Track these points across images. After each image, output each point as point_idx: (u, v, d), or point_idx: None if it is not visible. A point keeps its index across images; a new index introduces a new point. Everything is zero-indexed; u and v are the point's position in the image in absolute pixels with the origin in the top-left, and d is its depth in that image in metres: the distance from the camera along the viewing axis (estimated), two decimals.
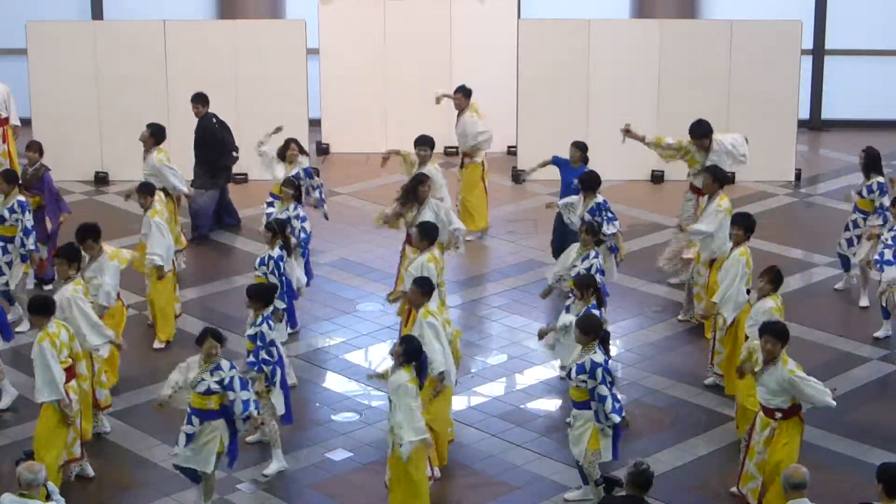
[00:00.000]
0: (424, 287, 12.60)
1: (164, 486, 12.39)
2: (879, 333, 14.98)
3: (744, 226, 13.71)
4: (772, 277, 12.63)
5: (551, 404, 13.94)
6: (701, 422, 13.45)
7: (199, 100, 17.99)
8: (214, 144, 18.03)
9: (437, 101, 18.61)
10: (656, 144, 16.40)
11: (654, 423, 13.39)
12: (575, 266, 13.95)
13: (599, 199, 15.06)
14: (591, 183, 15.16)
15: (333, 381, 14.40)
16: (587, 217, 14.86)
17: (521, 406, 13.79)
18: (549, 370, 14.32)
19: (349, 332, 15.42)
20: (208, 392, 11.68)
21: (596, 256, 14.05)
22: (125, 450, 13.01)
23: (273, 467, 12.60)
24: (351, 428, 13.44)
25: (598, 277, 13.56)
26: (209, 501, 11.99)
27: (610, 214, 14.99)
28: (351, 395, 14.05)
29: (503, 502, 12.18)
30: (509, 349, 14.93)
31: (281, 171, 16.37)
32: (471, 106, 17.94)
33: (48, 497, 10.04)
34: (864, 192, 15.75)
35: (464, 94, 18.03)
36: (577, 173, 15.62)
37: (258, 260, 14.08)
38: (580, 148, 16.25)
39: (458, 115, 18.02)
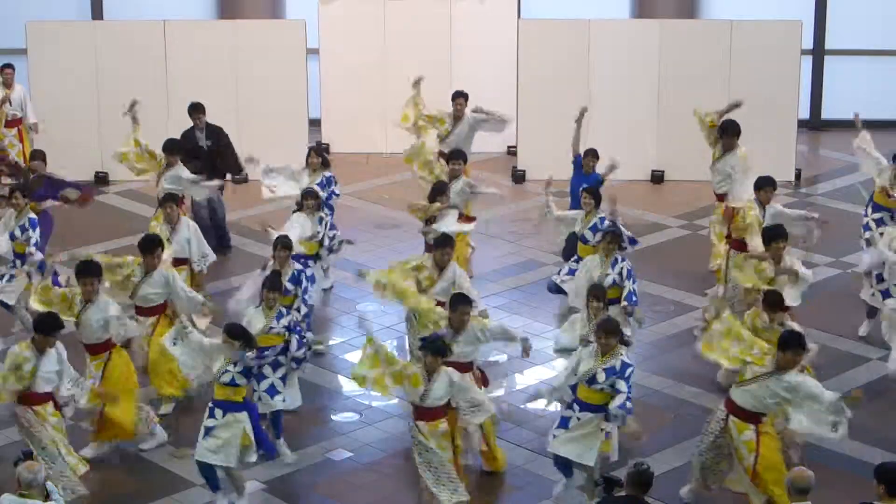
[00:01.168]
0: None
1: (165, 486, 12.39)
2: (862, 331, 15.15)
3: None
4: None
5: (551, 404, 13.91)
6: (701, 422, 13.41)
7: (202, 109, 17.49)
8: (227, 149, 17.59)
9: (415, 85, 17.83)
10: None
11: (654, 423, 13.38)
12: (608, 275, 13.77)
13: (603, 215, 14.86)
14: (599, 198, 14.90)
15: (333, 381, 14.39)
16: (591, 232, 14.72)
17: (522, 406, 13.78)
18: (549, 370, 14.31)
19: (349, 332, 15.41)
20: (232, 383, 11.69)
21: (623, 260, 13.93)
22: (125, 450, 12.99)
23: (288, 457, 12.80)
24: (351, 428, 13.44)
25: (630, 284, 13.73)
26: (243, 498, 11.98)
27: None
28: (351, 395, 14.05)
29: (503, 502, 12.17)
30: (509, 349, 14.90)
31: (306, 179, 16.02)
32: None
33: (47, 497, 10.03)
34: None
35: (465, 98, 17.80)
36: (589, 181, 15.54)
37: (289, 279, 13.61)
38: (595, 156, 16.13)
39: (455, 123, 17.67)
